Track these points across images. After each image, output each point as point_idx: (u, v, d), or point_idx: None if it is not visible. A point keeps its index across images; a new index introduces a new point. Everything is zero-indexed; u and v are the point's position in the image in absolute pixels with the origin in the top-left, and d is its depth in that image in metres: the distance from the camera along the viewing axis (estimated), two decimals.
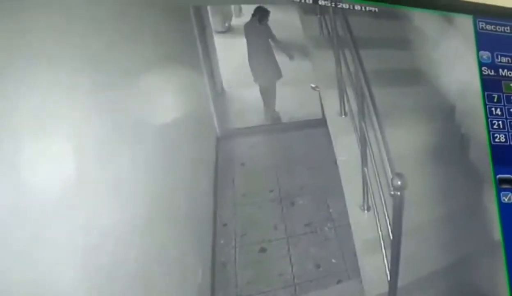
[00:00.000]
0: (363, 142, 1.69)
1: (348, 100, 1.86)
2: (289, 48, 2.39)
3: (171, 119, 1.85)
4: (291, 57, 2.38)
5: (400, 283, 1.49)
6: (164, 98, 1.82)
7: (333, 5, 1.78)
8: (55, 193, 1.16)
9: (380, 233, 1.60)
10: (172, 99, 1.92)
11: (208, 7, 2.62)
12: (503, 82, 1.64)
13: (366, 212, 1.74)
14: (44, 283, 1.12)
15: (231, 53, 2.53)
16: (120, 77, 1.51)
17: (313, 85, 2.28)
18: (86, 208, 1.26)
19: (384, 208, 1.55)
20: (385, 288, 1.51)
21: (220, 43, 2.47)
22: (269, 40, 2.40)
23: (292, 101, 2.26)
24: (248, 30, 2.50)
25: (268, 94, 2.42)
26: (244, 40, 2.48)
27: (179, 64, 2.07)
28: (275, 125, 2.29)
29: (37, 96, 1.13)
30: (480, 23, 1.67)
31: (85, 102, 1.29)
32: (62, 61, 1.22)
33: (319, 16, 2.03)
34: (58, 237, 1.16)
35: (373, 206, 1.68)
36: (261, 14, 2.46)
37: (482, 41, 1.66)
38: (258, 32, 2.45)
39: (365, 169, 1.69)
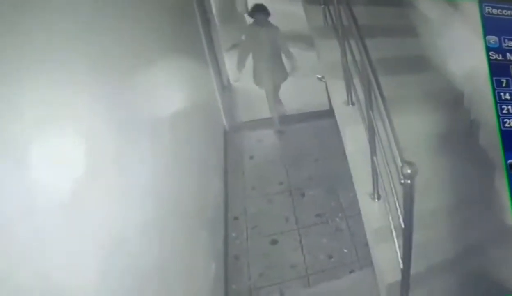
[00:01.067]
0: (372, 132, 1.68)
1: (355, 90, 1.85)
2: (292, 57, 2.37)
3: (177, 114, 1.85)
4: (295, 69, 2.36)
5: (412, 271, 1.48)
6: (169, 94, 1.82)
7: None
8: (66, 193, 1.16)
9: (391, 221, 1.59)
10: (178, 95, 1.92)
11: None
12: (511, 66, 1.62)
13: (376, 201, 1.73)
14: (56, 284, 1.12)
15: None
16: (126, 74, 1.52)
17: (319, 76, 2.27)
18: (98, 206, 1.26)
19: (395, 196, 1.53)
20: (398, 276, 1.51)
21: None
22: (276, 42, 2.36)
23: (299, 93, 2.26)
24: (251, 33, 2.47)
25: (274, 97, 2.40)
26: None
27: (184, 59, 2.06)
28: (282, 117, 2.27)
29: (46, 96, 1.13)
30: (486, 7, 1.65)
31: (93, 100, 1.29)
32: (69, 60, 1.22)
33: (323, 6, 2.01)
34: (71, 236, 1.17)
35: (383, 195, 1.67)
36: (257, 13, 2.42)
37: (489, 25, 1.63)
38: (262, 35, 2.42)
39: (374, 158, 1.68)
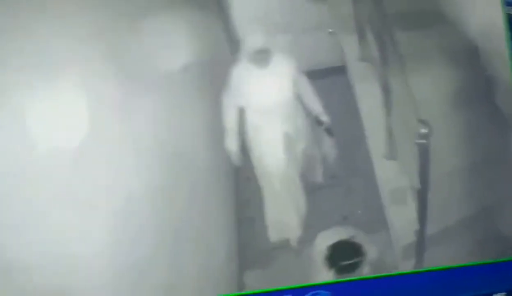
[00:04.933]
0: (386, 90, 1.73)
1: (368, 46, 1.88)
2: None
3: (186, 69, 1.89)
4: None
5: (428, 232, 1.57)
6: (177, 47, 1.85)
7: None
8: (72, 155, 1.23)
9: (406, 182, 1.66)
10: (187, 49, 1.95)
11: None
12: None
13: (391, 161, 1.80)
14: (66, 246, 1.21)
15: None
16: (132, 26, 1.56)
17: (330, 30, 2.27)
18: (107, 171, 1.34)
19: (410, 156, 1.60)
20: (413, 237, 1.62)
21: None
22: None
23: (311, 48, 2.26)
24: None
25: None
26: None
27: (194, 13, 2.07)
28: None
29: (44, 48, 1.19)
30: None
31: (97, 54, 1.34)
32: (71, 12, 1.28)
33: None
34: (79, 200, 1.25)
35: (398, 155, 1.74)
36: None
37: None
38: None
39: (389, 118, 1.74)
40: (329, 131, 2.06)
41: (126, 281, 1.35)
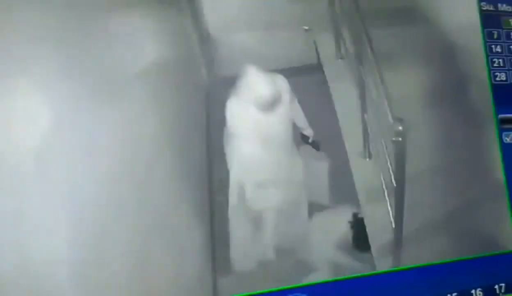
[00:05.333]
0: (362, 88, 1.74)
1: (344, 43, 1.90)
2: None
3: (149, 68, 1.85)
4: None
5: (404, 230, 1.58)
6: (140, 45, 1.82)
7: None
8: (33, 156, 1.20)
9: (383, 180, 1.68)
10: (150, 46, 1.92)
11: None
12: (502, 18, 1.68)
13: (367, 159, 1.82)
14: (30, 254, 1.18)
15: None
16: (96, 21, 1.53)
17: (306, 28, 2.28)
18: (68, 174, 1.31)
19: (386, 154, 1.62)
20: (390, 236, 1.62)
21: None
22: None
23: (285, 46, 2.27)
24: None
25: None
26: None
27: (157, 7, 2.05)
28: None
29: (12, 51, 1.16)
30: None
31: (57, 53, 1.31)
32: (38, 20, 1.25)
33: None
34: (42, 203, 1.22)
35: (374, 153, 1.76)
36: None
37: None
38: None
39: (365, 115, 1.75)
40: (315, 145, 2.07)
41: (93, 287, 1.32)
